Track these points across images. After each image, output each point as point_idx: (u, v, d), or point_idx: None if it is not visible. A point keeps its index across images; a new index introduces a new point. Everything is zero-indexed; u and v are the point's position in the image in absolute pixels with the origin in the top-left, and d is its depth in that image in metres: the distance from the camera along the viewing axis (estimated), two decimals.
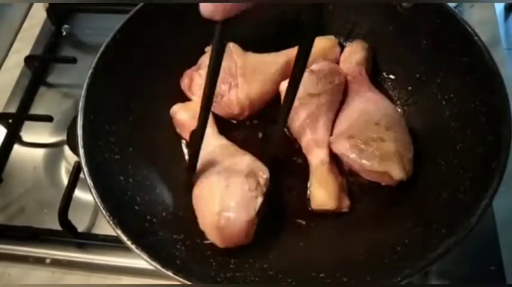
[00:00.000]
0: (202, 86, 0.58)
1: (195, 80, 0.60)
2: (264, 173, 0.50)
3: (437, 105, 0.55)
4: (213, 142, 0.55)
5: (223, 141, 0.56)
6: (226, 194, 0.48)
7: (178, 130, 0.60)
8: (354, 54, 0.61)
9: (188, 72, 0.61)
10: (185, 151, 0.60)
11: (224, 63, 0.58)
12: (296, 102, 0.57)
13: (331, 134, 0.57)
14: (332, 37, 0.63)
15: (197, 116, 0.56)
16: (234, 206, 0.48)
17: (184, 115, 0.58)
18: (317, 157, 0.55)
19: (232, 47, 0.60)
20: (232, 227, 0.47)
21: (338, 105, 0.59)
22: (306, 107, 0.56)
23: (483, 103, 0.49)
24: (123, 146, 0.54)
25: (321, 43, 0.62)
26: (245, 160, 0.51)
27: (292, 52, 0.61)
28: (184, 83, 0.61)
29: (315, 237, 0.53)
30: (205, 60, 0.60)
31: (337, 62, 0.63)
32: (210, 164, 0.52)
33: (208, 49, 0.61)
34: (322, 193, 0.53)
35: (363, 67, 0.60)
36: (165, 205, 0.53)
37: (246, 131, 0.60)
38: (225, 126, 0.59)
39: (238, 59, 0.59)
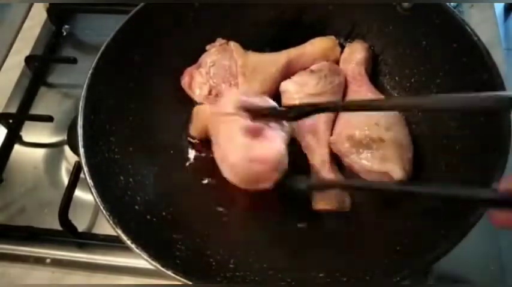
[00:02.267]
0: (203, 84, 0.60)
1: (195, 78, 0.60)
2: (286, 125, 0.49)
3: None
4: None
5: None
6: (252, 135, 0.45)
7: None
8: (353, 55, 0.61)
9: (189, 70, 0.61)
10: (186, 150, 0.60)
11: (225, 62, 0.59)
12: (296, 103, 0.57)
13: (331, 134, 0.57)
14: (332, 37, 0.63)
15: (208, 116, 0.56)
16: (262, 140, 0.45)
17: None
18: (318, 157, 0.55)
19: (233, 46, 0.60)
20: (262, 162, 0.44)
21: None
22: None
23: None
24: (123, 146, 0.54)
25: (322, 43, 0.62)
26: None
27: (292, 52, 0.62)
28: (184, 81, 0.61)
29: (315, 237, 0.53)
30: (205, 58, 0.60)
31: (338, 62, 0.63)
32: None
33: (209, 47, 0.61)
34: (324, 193, 0.53)
35: (363, 67, 0.60)
36: (165, 204, 0.53)
37: None
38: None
39: (238, 58, 0.59)
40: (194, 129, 0.59)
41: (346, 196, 0.54)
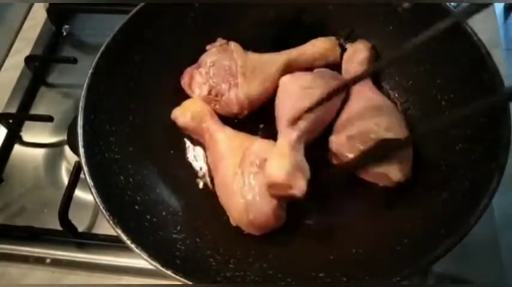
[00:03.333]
0: (202, 84, 0.60)
1: (195, 78, 0.60)
2: None
3: (437, 106, 0.55)
4: (220, 136, 0.55)
5: (229, 131, 0.56)
6: (246, 190, 0.50)
7: (186, 132, 0.60)
8: (356, 54, 0.61)
9: (188, 70, 0.61)
10: (186, 150, 0.60)
11: (225, 63, 0.59)
12: (284, 94, 0.56)
13: (317, 134, 0.55)
14: (333, 38, 0.63)
15: (197, 114, 0.57)
16: (256, 199, 0.49)
17: (185, 118, 0.58)
18: (286, 137, 0.51)
19: (233, 47, 0.60)
20: (261, 218, 0.49)
21: (332, 108, 0.57)
22: (295, 96, 0.55)
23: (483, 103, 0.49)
24: (123, 146, 0.54)
25: (322, 44, 0.62)
26: (255, 150, 0.52)
27: (292, 52, 0.62)
28: (184, 81, 0.61)
29: (315, 237, 0.53)
30: (205, 58, 0.60)
31: (338, 63, 0.63)
32: (224, 161, 0.53)
33: (210, 47, 0.61)
34: (275, 164, 0.48)
35: (365, 67, 0.60)
36: (165, 204, 0.54)
37: (246, 129, 0.60)
38: (225, 125, 0.59)
39: (238, 58, 0.59)
40: (180, 117, 0.58)
41: (301, 177, 0.49)
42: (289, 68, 0.61)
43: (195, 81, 0.60)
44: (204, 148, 0.59)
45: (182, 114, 0.58)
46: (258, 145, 0.53)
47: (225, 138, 0.55)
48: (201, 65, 0.60)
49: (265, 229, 0.51)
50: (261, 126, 0.61)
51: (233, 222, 0.52)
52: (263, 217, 0.49)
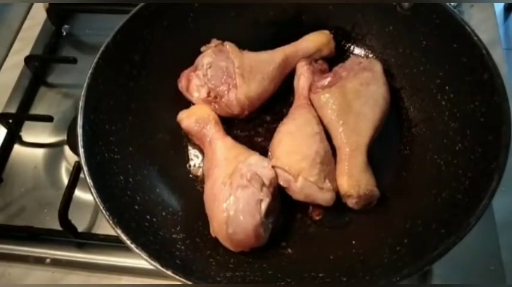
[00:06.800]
0: (201, 87, 0.60)
1: (192, 81, 0.60)
2: (268, 173, 0.51)
3: (437, 106, 0.55)
4: (219, 144, 0.55)
5: (228, 142, 0.56)
6: (230, 203, 0.48)
7: (189, 136, 0.60)
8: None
9: (185, 73, 0.61)
10: (186, 150, 0.60)
11: (222, 64, 0.59)
12: None
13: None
14: (326, 32, 0.63)
15: (201, 120, 0.57)
16: (239, 214, 0.48)
17: (189, 121, 0.58)
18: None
19: (228, 47, 0.60)
20: (240, 234, 0.48)
21: None
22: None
23: (483, 103, 0.49)
24: (123, 146, 0.54)
25: (316, 38, 0.62)
26: (249, 163, 0.51)
27: (287, 48, 0.61)
28: (181, 84, 0.61)
29: (315, 237, 0.53)
30: (201, 60, 0.60)
31: (330, 55, 0.63)
32: (217, 169, 0.52)
33: (204, 49, 0.61)
34: None
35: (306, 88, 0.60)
36: (165, 204, 0.54)
37: (246, 129, 0.61)
38: (226, 125, 0.59)
39: (235, 59, 0.59)
40: (185, 120, 0.58)
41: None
42: (286, 65, 0.61)
43: (192, 84, 0.60)
44: (203, 154, 0.59)
45: (187, 118, 0.58)
46: (255, 158, 0.52)
47: (223, 147, 0.55)
48: (197, 67, 0.60)
49: (243, 246, 0.49)
50: (262, 124, 0.61)
51: (212, 232, 0.51)
52: (242, 233, 0.48)
